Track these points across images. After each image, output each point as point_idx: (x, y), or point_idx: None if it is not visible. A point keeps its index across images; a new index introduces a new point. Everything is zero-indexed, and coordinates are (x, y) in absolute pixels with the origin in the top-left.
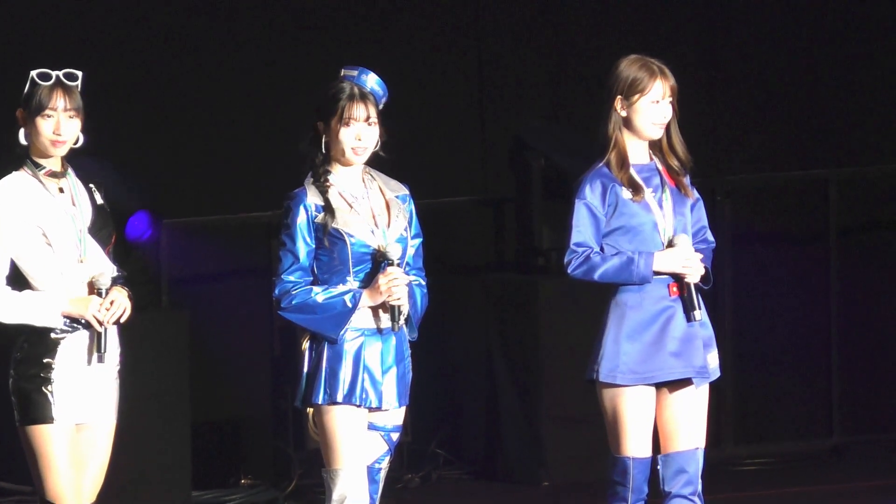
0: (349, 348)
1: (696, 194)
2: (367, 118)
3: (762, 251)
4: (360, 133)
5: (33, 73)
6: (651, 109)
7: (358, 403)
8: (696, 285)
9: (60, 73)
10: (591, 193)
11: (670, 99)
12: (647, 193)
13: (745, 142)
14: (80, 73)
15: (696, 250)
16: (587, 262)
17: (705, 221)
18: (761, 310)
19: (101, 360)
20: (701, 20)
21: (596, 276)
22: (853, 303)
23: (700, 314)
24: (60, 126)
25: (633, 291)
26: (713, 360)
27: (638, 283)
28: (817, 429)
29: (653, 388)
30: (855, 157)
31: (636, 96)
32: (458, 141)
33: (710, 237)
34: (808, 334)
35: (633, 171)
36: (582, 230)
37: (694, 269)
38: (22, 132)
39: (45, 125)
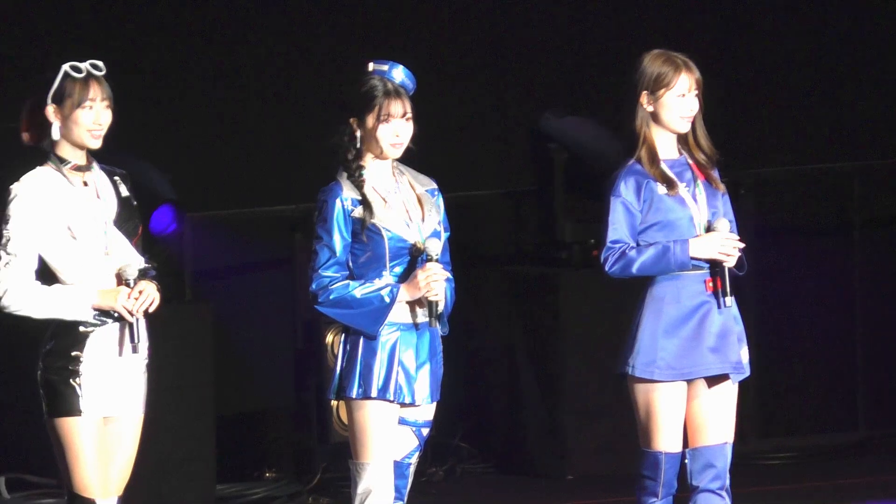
0: (384, 343)
1: (723, 187)
2: (405, 114)
3: (786, 245)
4: (398, 129)
5: (65, 66)
6: (678, 103)
7: (392, 398)
8: (729, 271)
9: (88, 65)
10: (625, 190)
11: (696, 92)
12: (681, 188)
13: (768, 135)
14: (101, 64)
15: None
16: (624, 258)
17: (731, 215)
18: (785, 303)
19: (135, 349)
20: (723, 12)
21: (634, 269)
22: (877, 296)
23: (731, 300)
24: (100, 116)
25: (670, 285)
26: (745, 355)
27: (677, 269)
28: (842, 423)
29: (685, 383)
30: (879, 151)
31: (662, 91)
32: (480, 134)
33: (736, 231)
34: (833, 328)
35: (664, 166)
36: (618, 227)
37: (731, 253)
38: (56, 127)
39: (85, 116)
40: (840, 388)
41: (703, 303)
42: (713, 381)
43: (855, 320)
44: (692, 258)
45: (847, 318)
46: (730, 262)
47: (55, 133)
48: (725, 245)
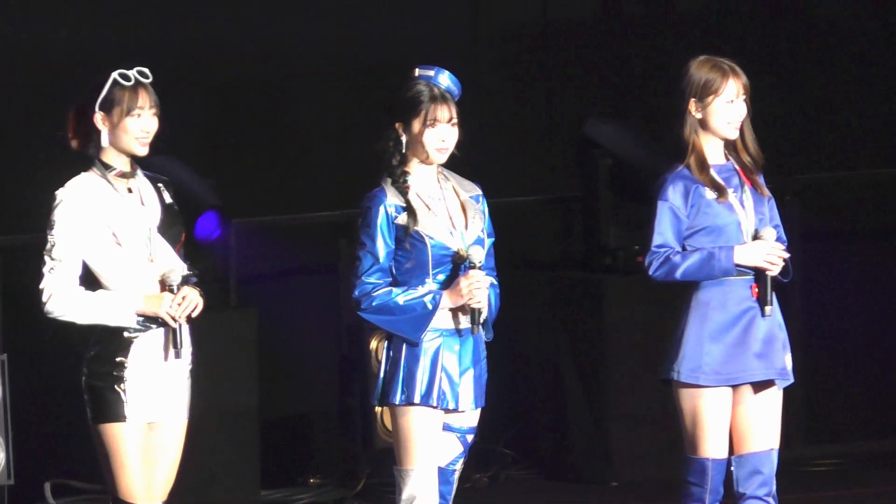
0: (427, 349)
1: (768, 193)
2: (450, 119)
3: (832, 250)
4: (444, 134)
5: (114, 74)
6: (726, 109)
7: (435, 404)
8: (773, 279)
9: (135, 72)
10: (673, 194)
11: (744, 97)
12: (730, 193)
13: (814, 140)
14: (148, 70)
15: None
16: (668, 263)
17: (778, 220)
18: (831, 309)
19: (178, 355)
20: (768, 17)
21: (678, 274)
22: None
23: (770, 309)
24: (148, 124)
25: (716, 291)
26: (789, 362)
27: (721, 276)
28: (888, 429)
29: (730, 389)
30: None
31: (710, 97)
32: (526, 140)
33: (783, 236)
34: (878, 333)
35: (713, 173)
36: (663, 231)
37: (775, 261)
38: (105, 135)
39: (133, 124)
40: (886, 394)
41: (749, 308)
42: (759, 387)
43: None
44: (737, 265)
45: (893, 323)
46: (774, 271)
47: (104, 140)
48: (771, 254)
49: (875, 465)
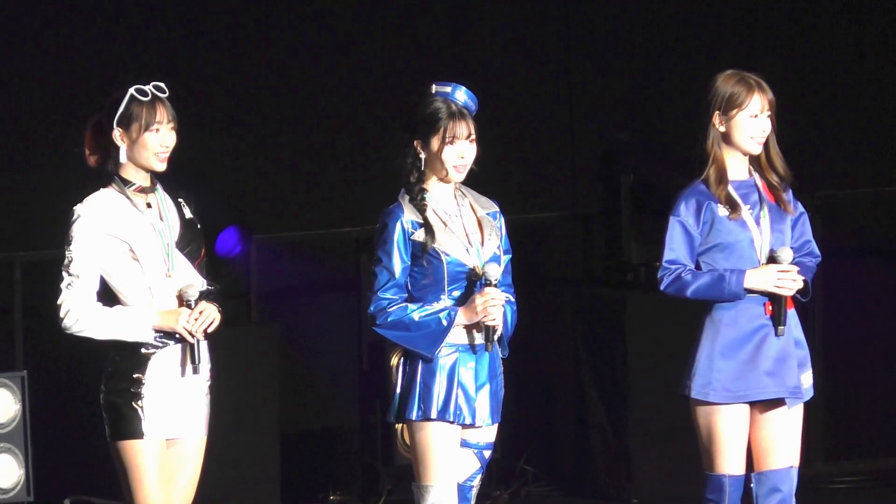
0: (443, 364)
1: (799, 208)
2: (469, 136)
3: (854, 266)
4: (462, 151)
5: (131, 89)
6: (750, 124)
7: (452, 420)
8: (793, 297)
9: (152, 87)
10: (685, 211)
11: (769, 113)
12: (745, 210)
13: (837, 157)
14: (164, 85)
15: (799, 263)
16: (679, 281)
17: (809, 235)
18: (853, 325)
19: (195, 370)
20: (791, 33)
21: (688, 293)
22: None
23: (784, 329)
24: (166, 139)
25: (729, 308)
26: (807, 379)
27: (729, 299)
28: None
29: (747, 406)
30: None
31: (734, 111)
32: (549, 156)
33: (816, 250)
34: None
35: (730, 188)
36: (675, 247)
37: (787, 285)
38: (123, 151)
39: (152, 139)
40: None
41: (762, 326)
42: (777, 404)
43: None
44: (747, 290)
45: None
46: (787, 292)
47: (122, 157)
48: (783, 278)
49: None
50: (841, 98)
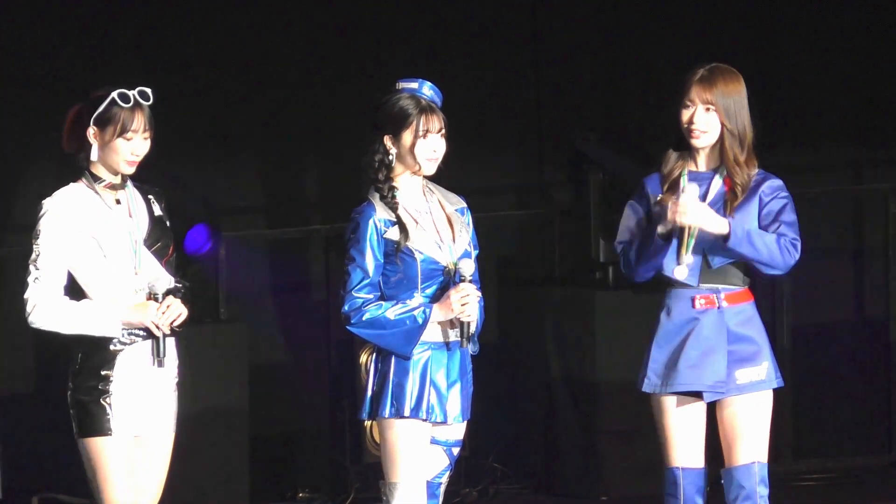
0: (416, 362)
1: (768, 194)
2: (440, 129)
3: (820, 265)
4: (435, 145)
5: (114, 93)
6: (682, 114)
7: (424, 417)
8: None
9: (136, 93)
10: (636, 195)
11: (706, 107)
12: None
13: (802, 155)
14: (150, 91)
15: (753, 232)
16: (623, 254)
17: (785, 217)
18: (819, 323)
19: (160, 364)
20: (755, 35)
21: (632, 257)
22: None
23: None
24: (138, 147)
25: (667, 301)
26: (748, 375)
27: (660, 247)
28: (876, 444)
29: (695, 398)
30: None
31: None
32: (516, 154)
33: (790, 234)
34: (867, 348)
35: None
36: (621, 231)
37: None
38: (95, 150)
39: (124, 147)
40: (874, 409)
41: (692, 319)
42: (740, 400)
43: (889, 341)
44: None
45: (881, 338)
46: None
47: (93, 155)
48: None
49: (863, 480)
50: (805, 95)
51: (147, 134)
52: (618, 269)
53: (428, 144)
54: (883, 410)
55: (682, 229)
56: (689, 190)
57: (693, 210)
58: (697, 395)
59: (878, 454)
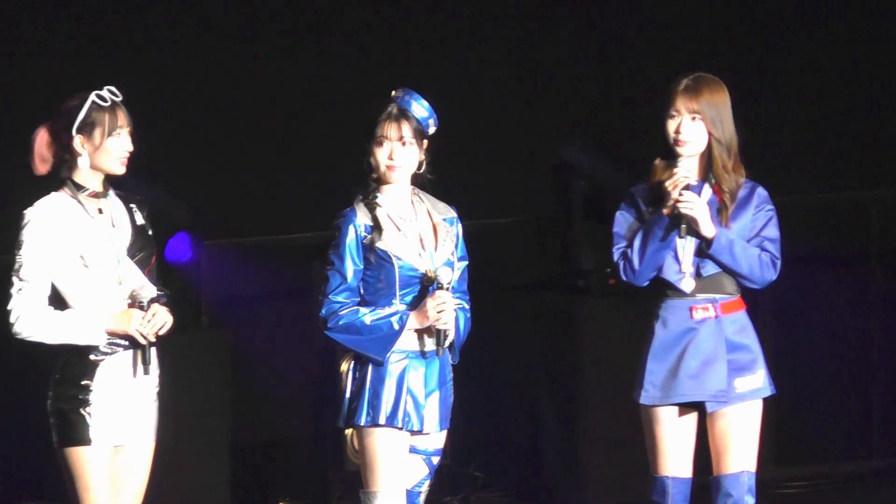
0: (393, 370)
1: (756, 205)
2: (401, 138)
3: (804, 273)
4: (392, 152)
5: (93, 96)
6: (670, 124)
7: (400, 426)
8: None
9: (107, 92)
10: (625, 205)
11: (692, 116)
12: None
13: (786, 164)
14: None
15: (735, 244)
16: (623, 258)
17: (768, 234)
18: (802, 332)
19: (146, 372)
20: (744, 43)
21: (634, 258)
22: (894, 325)
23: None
24: (128, 143)
25: (662, 311)
26: (752, 382)
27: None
28: (857, 451)
29: (688, 408)
30: None
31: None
32: (503, 162)
33: (771, 249)
34: (849, 356)
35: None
36: (617, 233)
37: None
38: (86, 158)
39: (116, 144)
40: (856, 417)
41: (690, 329)
42: (729, 410)
43: (872, 349)
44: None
45: (864, 346)
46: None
47: (83, 163)
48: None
49: (846, 487)
50: (790, 106)
51: (129, 129)
52: (601, 277)
53: (384, 152)
54: (865, 418)
55: (678, 217)
56: (702, 191)
57: (697, 204)
58: (694, 404)
59: (860, 461)
